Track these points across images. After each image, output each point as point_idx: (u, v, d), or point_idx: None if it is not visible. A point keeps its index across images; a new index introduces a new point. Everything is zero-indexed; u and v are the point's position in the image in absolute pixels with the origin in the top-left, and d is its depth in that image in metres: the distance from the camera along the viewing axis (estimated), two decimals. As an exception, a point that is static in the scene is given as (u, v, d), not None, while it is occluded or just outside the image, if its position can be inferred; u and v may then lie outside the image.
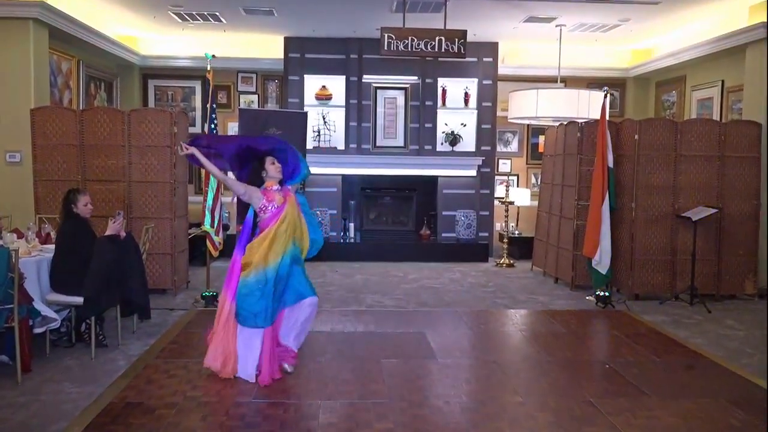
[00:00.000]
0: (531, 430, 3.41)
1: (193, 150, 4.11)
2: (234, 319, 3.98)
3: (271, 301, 3.91)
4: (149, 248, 5.66)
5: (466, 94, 9.22)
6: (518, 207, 9.45)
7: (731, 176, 6.61)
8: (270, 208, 4.01)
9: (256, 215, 4.08)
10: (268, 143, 4.21)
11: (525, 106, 7.93)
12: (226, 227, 8.24)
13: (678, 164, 6.57)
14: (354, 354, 4.65)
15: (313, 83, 9.09)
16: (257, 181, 4.07)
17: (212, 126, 6.04)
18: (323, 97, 9.10)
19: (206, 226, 6.03)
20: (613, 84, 9.51)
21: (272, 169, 4.06)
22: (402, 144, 9.22)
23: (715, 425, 3.51)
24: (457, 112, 9.22)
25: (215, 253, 6.18)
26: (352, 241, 9.09)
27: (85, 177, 6.24)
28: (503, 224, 8.94)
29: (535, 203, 8.61)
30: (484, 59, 9.13)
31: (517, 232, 9.50)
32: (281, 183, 4.11)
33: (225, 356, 4.02)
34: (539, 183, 8.85)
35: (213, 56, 6.18)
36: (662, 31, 8.32)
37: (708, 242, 6.59)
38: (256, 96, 9.58)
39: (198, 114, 9.53)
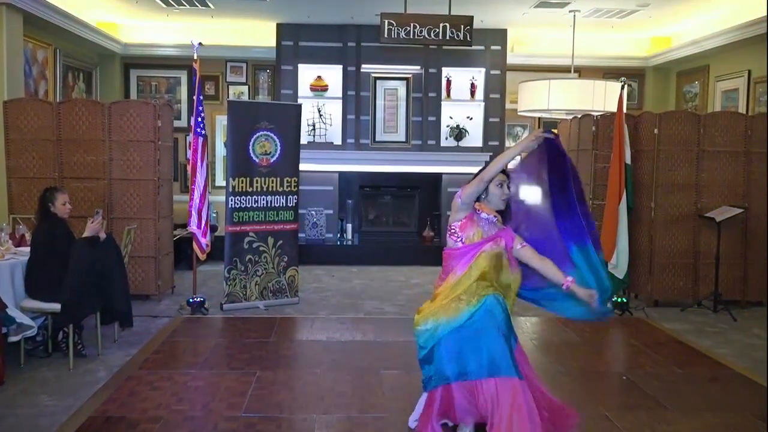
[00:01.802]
0: (542, 447, 3.41)
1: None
2: None
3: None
4: (131, 251, 5.67)
5: (473, 85, 9.23)
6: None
7: (758, 174, 6.60)
8: (459, 240, 3.25)
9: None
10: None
11: (536, 98, 7.93)
12: (214, 228, 8.24)
13: (701, 160, 6.57)
14: (352, 365, 4.66)
15: (307, 73, 9.10)
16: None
17: (199, 119, 6.05)
18: (319, 88, 9.10)
19: (193, 227, 6.03)
20: (630, 74, 9.52)
21: (497, 192, 3.24)
22: (403, 139, 9.22)
23: (741, 441, 3.53)
24: (462, 105, 9.23)
25: (202, 257, 6.18)
26: (350, 243, 9.10)
27: (62, 174, 6.24)
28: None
29: (547, 202, 8.60)
30: (492, 47, 9.14)
31: (527, 233, 9.50)
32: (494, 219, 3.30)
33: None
34: (551, 181, 8.84)
35: (200, 44, 6.19)
36: (683, 17, 8.32)
37: (733, 245, 6.59)
38: (247, 87, 9.59)
39: (184, 106, 9.54)
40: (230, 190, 6.11)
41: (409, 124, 9.19)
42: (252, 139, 6.17)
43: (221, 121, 9.39)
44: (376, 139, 9.21)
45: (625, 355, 5.28)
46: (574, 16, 8.02)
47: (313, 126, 9.03)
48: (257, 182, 6.24)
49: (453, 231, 3.26)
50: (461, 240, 3.24)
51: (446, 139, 9.20)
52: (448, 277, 3.26)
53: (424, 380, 3.28)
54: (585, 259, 3.32)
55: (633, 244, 6.50)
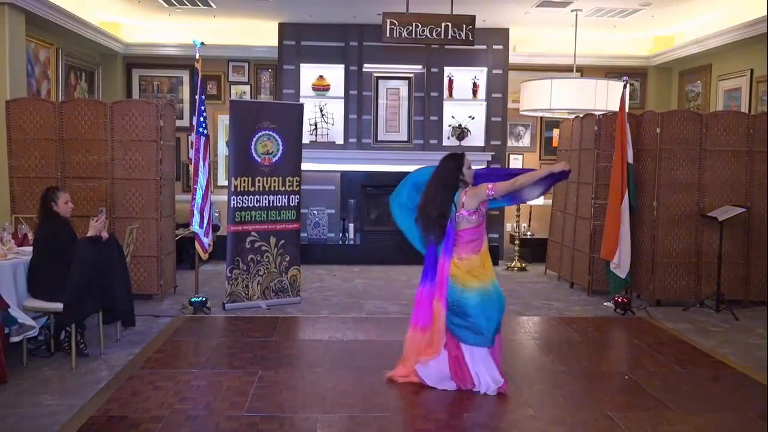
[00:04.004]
0: (544, 447, 3.42)
1: None
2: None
3: None
4: (134, 250, 5.68)
5: (475, 85, 9.22)
6: (530, 206, 9.44)
7: (761, 173, 6.59)
8: (482, 217, 4.34)
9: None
10: None
11: (538, 98, 7.93)
12: (216, 228, 8.25)
13: (703, 160, 6.56)
14: (354, 364, 4.66)
15: (309, 73, 9.10)
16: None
17: (201, 119, 6.05)
18: (321, 88, 9.11)
19: (195, 227, 6.04)
20: (633, 73, 9.50)
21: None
22: (405, 138, 9.22)
23: (743, 441, 3.52)
24: (464, 104, 9.22)
25: (204, 256, 6.19)
26: (352, 242, 9.09)
27: (64, 174, 6.26)
28: (514, 224, 8.94)
29: (549, 202, 8.60)
30: (494, 47, 9.13)
31: (529, 233, 9.50)
32: None
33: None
34: (553, 180, 8.84)
35: (202, 44, 6.19)
36: (686, 16, 8.31)
37: (735, 244, 6.58)
38: (249, 86, 9.59)
39: (186, 106, 9.55)
40: (232, 189, 6.11)
41: (411, 124, 9.18)
42: (254, 139, 6.17)
43: (223, 120, 9.39)
44: (378, 139, 9.21)
45: (627, 355, 5.27)
46: (576, 15, 8.01)
47: (315, 125, 9.03)
48: (259, 182, 6.24)
49: (479, 210, 4.14)
50: (483, 218, 4.18)
51: (448, 138, 9.19)
52: (483, 248, 4.21)
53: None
54: None
55: (635, 244, 6.50)
